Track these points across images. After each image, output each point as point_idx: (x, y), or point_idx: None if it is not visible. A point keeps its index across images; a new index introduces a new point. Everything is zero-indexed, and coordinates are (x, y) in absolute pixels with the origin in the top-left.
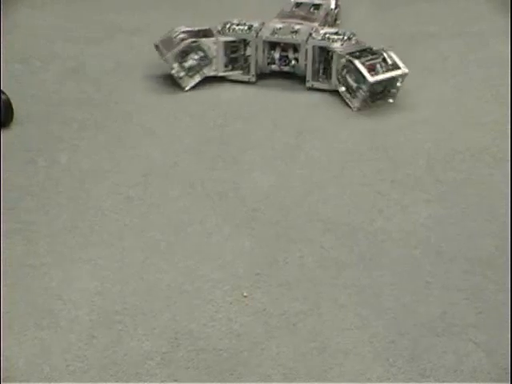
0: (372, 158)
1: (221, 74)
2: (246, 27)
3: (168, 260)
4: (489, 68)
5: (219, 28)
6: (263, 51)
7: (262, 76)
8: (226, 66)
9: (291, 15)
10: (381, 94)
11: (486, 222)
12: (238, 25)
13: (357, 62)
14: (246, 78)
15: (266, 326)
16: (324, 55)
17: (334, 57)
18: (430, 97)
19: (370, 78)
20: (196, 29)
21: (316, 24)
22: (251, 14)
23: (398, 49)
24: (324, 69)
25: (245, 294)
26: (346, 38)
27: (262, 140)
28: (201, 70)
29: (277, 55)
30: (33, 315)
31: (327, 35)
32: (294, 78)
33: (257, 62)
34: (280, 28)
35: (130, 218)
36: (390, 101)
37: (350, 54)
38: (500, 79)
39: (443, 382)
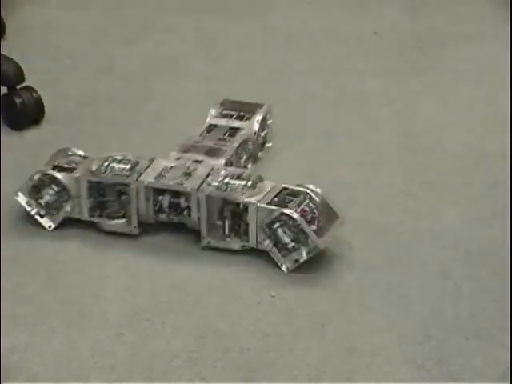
0: (401, 159)
1: (88, 219)
2: (128, 166)
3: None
4: None
5: (94, 168)
6: (146, 198)
7: (148, 227)
8: (92, 210)
9: (194, 146)
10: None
11: None
12: (119, 161)
13: (300, 219)
14: (126, 229)
15: (294, 326)
16: (231, 206)
17: (251, 210)
18: (459, 99)
19: (320, 243)
20: (83, 154)
21: (222, 161)
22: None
23: (427, 50)
24: (233, 224)
25: (272, 294)
26: (249, 184)
27: None
28: (61, 207)
29: (165, 202)
30: (61, 312)
31: (226, 180)
32: (189, 230)
33: (138, 210)
34: (171, 167)
35: None
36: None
37: (271, 202)
38: None
39: None
